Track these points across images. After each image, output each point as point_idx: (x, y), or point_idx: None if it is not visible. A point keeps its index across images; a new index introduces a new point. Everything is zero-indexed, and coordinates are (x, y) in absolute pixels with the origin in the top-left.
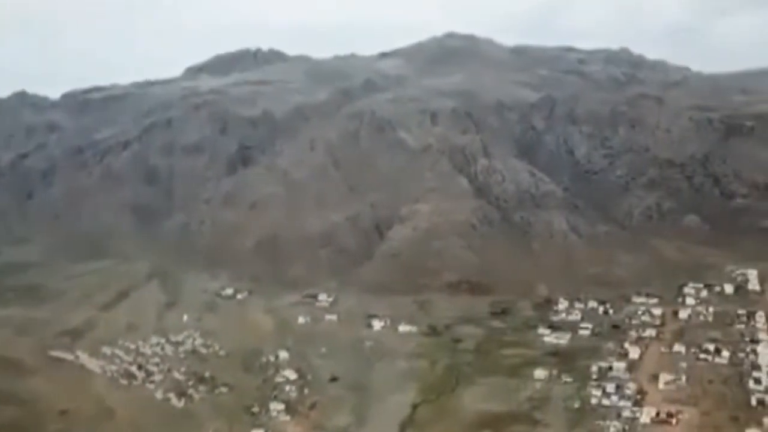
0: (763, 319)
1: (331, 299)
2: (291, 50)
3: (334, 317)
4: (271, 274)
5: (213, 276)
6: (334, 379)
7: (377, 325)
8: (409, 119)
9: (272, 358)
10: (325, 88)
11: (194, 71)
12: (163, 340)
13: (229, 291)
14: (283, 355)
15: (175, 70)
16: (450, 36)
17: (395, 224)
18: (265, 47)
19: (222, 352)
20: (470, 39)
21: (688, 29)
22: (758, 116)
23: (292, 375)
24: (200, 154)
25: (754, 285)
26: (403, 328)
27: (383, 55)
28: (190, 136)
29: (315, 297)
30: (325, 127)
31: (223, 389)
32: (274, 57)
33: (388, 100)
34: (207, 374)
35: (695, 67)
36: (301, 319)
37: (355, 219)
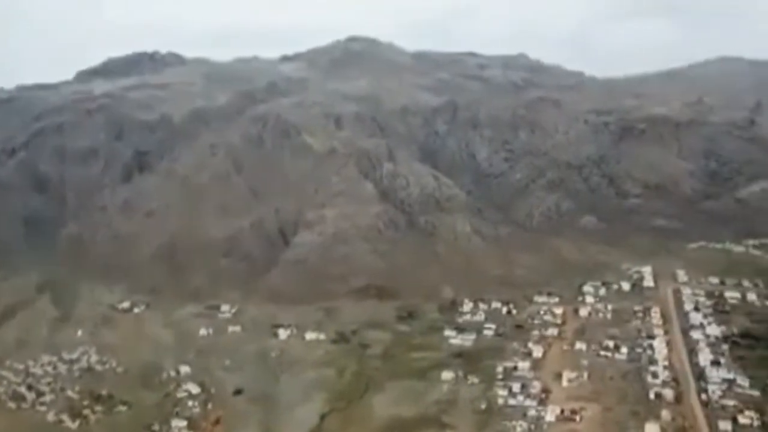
0: (658, 315)
1: (234, 309)
2: (189, 53)
3: (237, 328)
4: (171, 285)
5: (109, 288)
6: (238, 392)
7: (283, 334)
8: (313, 123)
9: (173, 373)
10: (225, 92)
11: (87, 75)
12: (55, 358)
13: (126, 304)
14: (185, 369)
15: (66, 74)
16: (353, 40)
17: (300, 230)
18: (162, 50)
19: (119, 369)
20: (373, 43)
21: (581, 35)
22: (650, 119)
23: (194, 389)
24: (94, 160)
25: (648, 282)
26: (309, 336)
27: (286, 59)
28: (83, 141)
29: (217, 307)
30: (226, 132)
31: (122, 408)
32: (172, 60)
33: (292, 103)
34: (104, 392)
35: (589, 72)
36: (203, 331)
37: (258, 225)
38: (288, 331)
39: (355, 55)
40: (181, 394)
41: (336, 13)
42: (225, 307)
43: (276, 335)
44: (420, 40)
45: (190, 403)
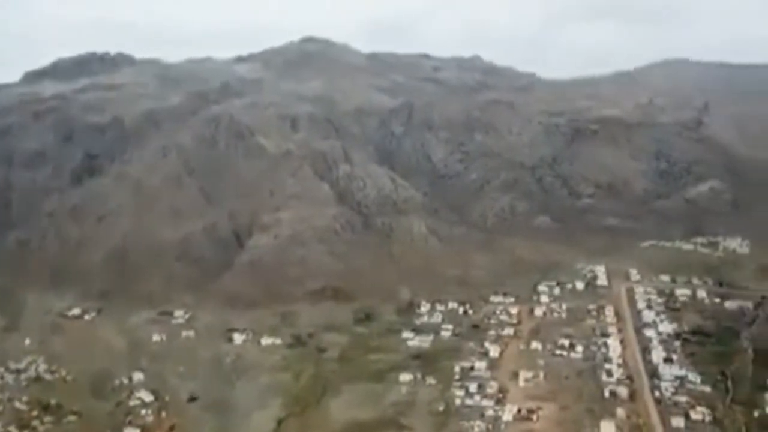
0: (611, 314)
1: (187, 315)
2: (140, 54)
3: (191, 333)
4: (122, 291)
5: (58, 295)
6: (193, 399)
7: (238, 338)
8: (268, 124)
9: (125, 381)
10: (178, 93)
11: (34, 76)
12: (1, 369)
13: (77, 310)
14: (138, 376)
15: (12, 76)
16: (307, 40)
17: (255, 233)
18: (112, 51)
19: (69, 378)
20: (327, 44)
21: (533, 37)
22: (601, 120)
23: (147, 397)
24: (42, 164)
25: (602, 281)
26: (265, 340)
27: (240, 59)
28: (31, 144)
29: (170, 313)
30: (178, 133)
31: (72, 417)
32: (123, 61)
33: (246, 104)
34: (53, 402)
35: (541, 73)
36: (155, 337)
37: (212, 228)
38: (243, 336)
39: (309, 56)
40: (133, 402)
41: (290, 14)
42: (178, 313)
43: (231, 340)
44: (374, 41)
45: (143, 411)
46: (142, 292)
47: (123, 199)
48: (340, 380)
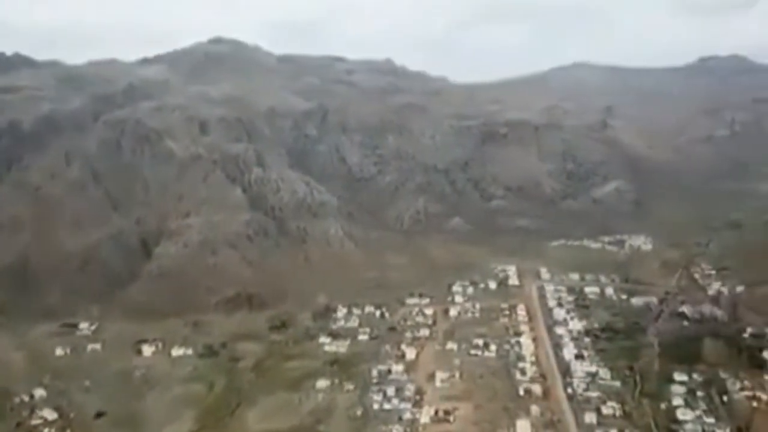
0: (524, 312)
1: (93, 326)
2: (40, 55)
3: (97, 346)
4: (22, 304)
5: None
6: (100, 415)
7: (148, 350)
8: (176, 128)
9: (26, 398)
10: (80, 96)
11: None
12: None
13: None
14: (40, 393)
15: None
16: (216, 41)
17: (164, 240)
18: (8, 51)
19: None
20: (237, 45)
21: (442, 41)
22: (510, 123)
23: (51, 415)
24: None
25: (514, 280)
26: (176, 351)
27: (145, 61)
28: None
29: (75, 325)
30: (81, 138)
31: None
32: (20, 62)
33: (153, 107)
34: None
35: (451, 75)
36: (59, 351)
37: (118, 237)
38: (153, 347)
39: (219, 57)
40: (35, 421)
41: (196, 15)
42: (83, 325)
43: (140, 352)
44: (283, 43)
45: (46, 430)
46: (44, 304)
47: (22, 207)
48: (255, 390)
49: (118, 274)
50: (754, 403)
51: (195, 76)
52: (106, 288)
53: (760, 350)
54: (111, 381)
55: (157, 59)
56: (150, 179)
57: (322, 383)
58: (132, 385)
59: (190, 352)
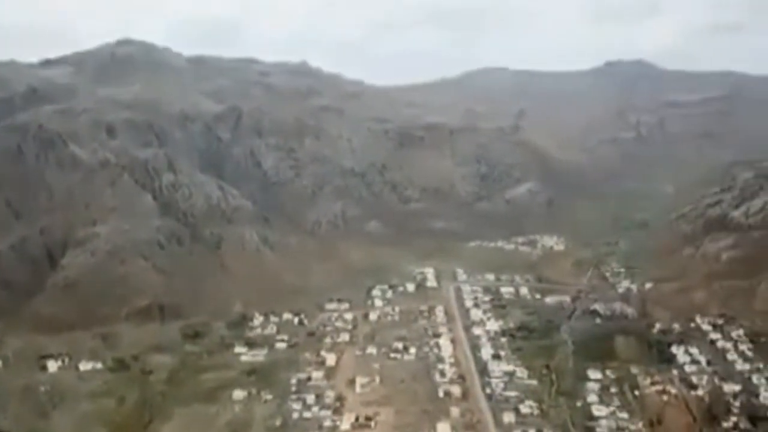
0: (442, 314)
1: None
2: None
3: None
4: None
5: None
6: None
7: (53, 365)
8: (82, 132)
9: None
10: None
11: None
12: None
13: None
14: None
15: None
16: (124, 43)
17: (70, 249)
18: None
19: None
20: (146, 46)
21: (357, 44)
22: (427, 127)
23: None
24: None
25: (431, 282)
26: (84, 365)
27: (47, 62)
28: None
29: None
30: None
31: None
32: None
33: (57, 111)
34: None
35: (367, 78)
36: None
37: (20, 246)
38: (59, 362)
39: (127, 59)
40: None
41: (101, 15)
42: None
43: (44, 368)
44: (194, 45)
45: None
46: None
47: None
48: (169, 403)
49: (21, 285)
50: (665, 397)
51: (102, 78)
52: (8, 301)
53: (669, 345)
54: (13, 398)
55: (61, 61)
56: (55, 186)
57: (239, 394)
58: (36, 402)
59: (99, 365)
